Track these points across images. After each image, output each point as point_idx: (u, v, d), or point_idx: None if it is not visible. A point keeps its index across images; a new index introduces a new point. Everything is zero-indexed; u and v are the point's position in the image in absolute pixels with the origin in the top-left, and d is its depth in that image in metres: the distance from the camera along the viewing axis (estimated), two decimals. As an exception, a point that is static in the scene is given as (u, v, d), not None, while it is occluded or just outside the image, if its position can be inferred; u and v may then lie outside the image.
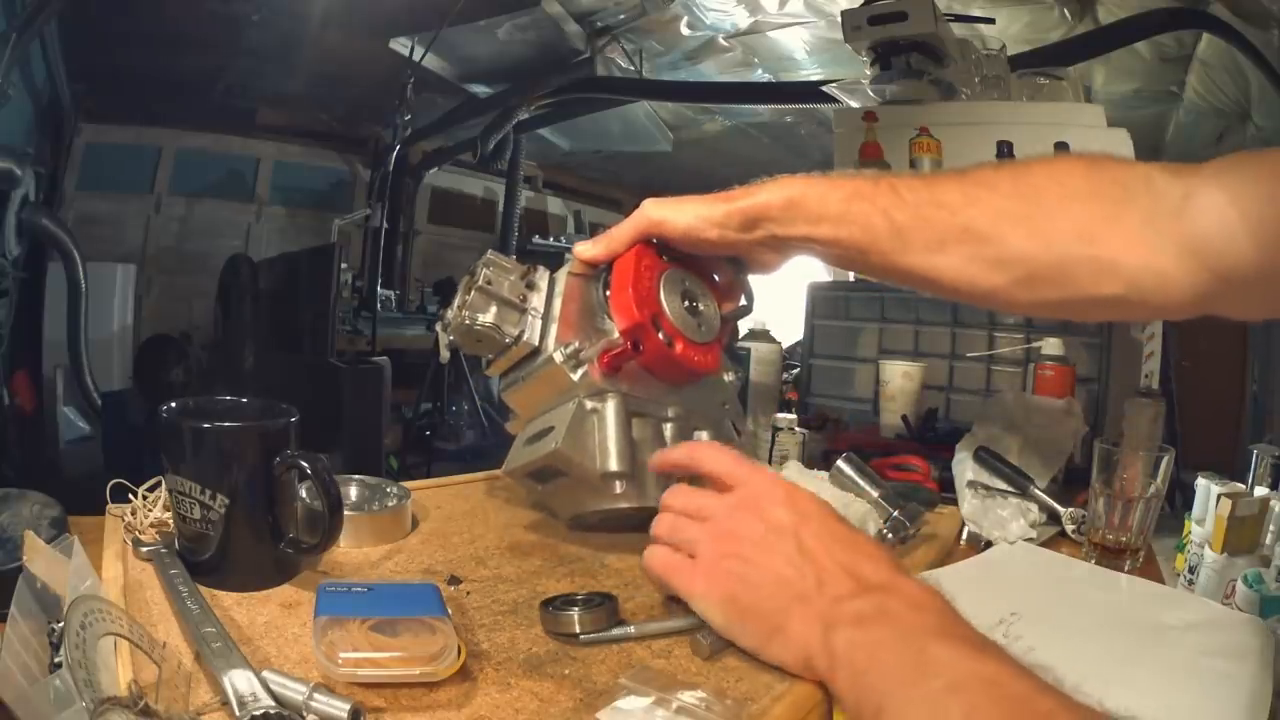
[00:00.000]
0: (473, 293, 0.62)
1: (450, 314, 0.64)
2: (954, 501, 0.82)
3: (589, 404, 0.59)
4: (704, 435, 0.65)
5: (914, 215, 0.57)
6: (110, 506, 0.60)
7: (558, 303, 0.63)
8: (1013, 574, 0.70)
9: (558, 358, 0.59)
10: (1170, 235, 0.50)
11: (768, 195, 0.60)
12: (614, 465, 0.57)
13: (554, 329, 0.61)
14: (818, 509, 0.48)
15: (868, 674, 0.39)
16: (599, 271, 0.65)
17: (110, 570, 0.52)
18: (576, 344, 0.60)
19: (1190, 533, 0.73)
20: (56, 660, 0.41)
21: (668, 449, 0.56)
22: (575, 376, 0.59)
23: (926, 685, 0.37)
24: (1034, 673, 0.37)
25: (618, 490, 0.58)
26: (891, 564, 0.45)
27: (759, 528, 0.47)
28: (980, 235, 0.55)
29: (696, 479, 0.53)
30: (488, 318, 0.62)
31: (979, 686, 0.36)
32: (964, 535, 0.77)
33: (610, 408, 0.59)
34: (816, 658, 0.42)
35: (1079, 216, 0.53)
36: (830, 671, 0.41)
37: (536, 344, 0.62)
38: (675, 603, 0.50)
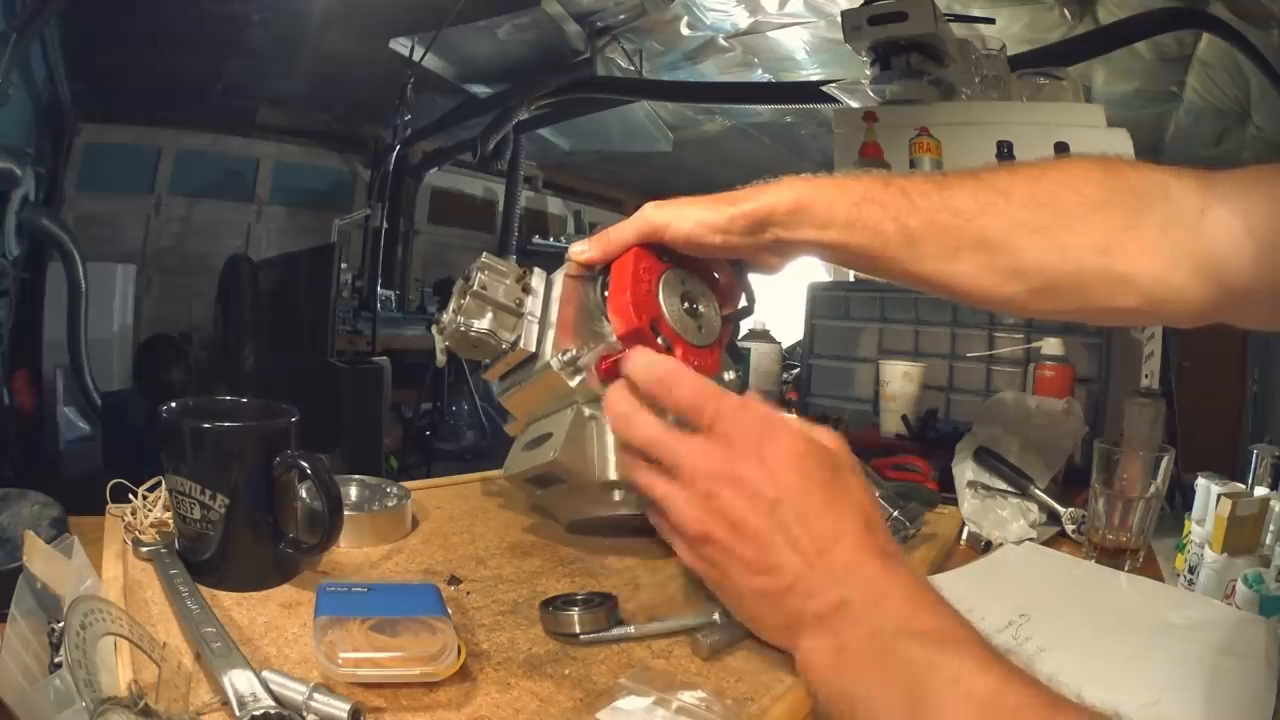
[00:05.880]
0: (467, 298, 0.61)
1: (445, 318, 0.63)
2: (954, 501, 0.82)
3: (587, 411, 0.58)
4: None
5: (926, 222, 0.56)
6: (110, 506, 0.60)
7: (555, 306, 0.62)
8: (1020, 575, 0.70)
9: (555, 365, 0.59)
10: (1186, 248, 0.50)
11: (773, 198, 0.58)
12: (613, 474, 0.57)
13: (551, 334, 0.61)
14: (793, 482, 0.42)
15: (833, 681, 0.39)
16: (596, 271, 0.64)
17: (110, 570, 0.52)
18: (574, 350, 0.59)
19: (1190, 533, 0.73)
20: (56, 660, 0.41)
21: (632, 370, 0.48)
22: (573, 383, 0.59)
23: (887, 690, 0.37)
24: (1003, 661, 0.36)
25: (617, 498, 0.58)
26: (860, 541, 0.42)
27: (734, 507, 0.42)
28: (995, 245, 0.55)
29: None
30: (483, 324, 0.61)
31: (940, 687, 0.35)
32: (964, 535, 0.77)
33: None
34: (793, 655, 0.42)
35: (1096, 228, 0.52)
36: (804, 673, 0.41)
37: (533, 349, 0.61)
38: (676, 604, 0.50)
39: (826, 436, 0.46)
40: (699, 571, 0.45)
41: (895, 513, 0.68)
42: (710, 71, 2.87)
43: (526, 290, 0.64)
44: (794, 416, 0.49)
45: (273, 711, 0.36)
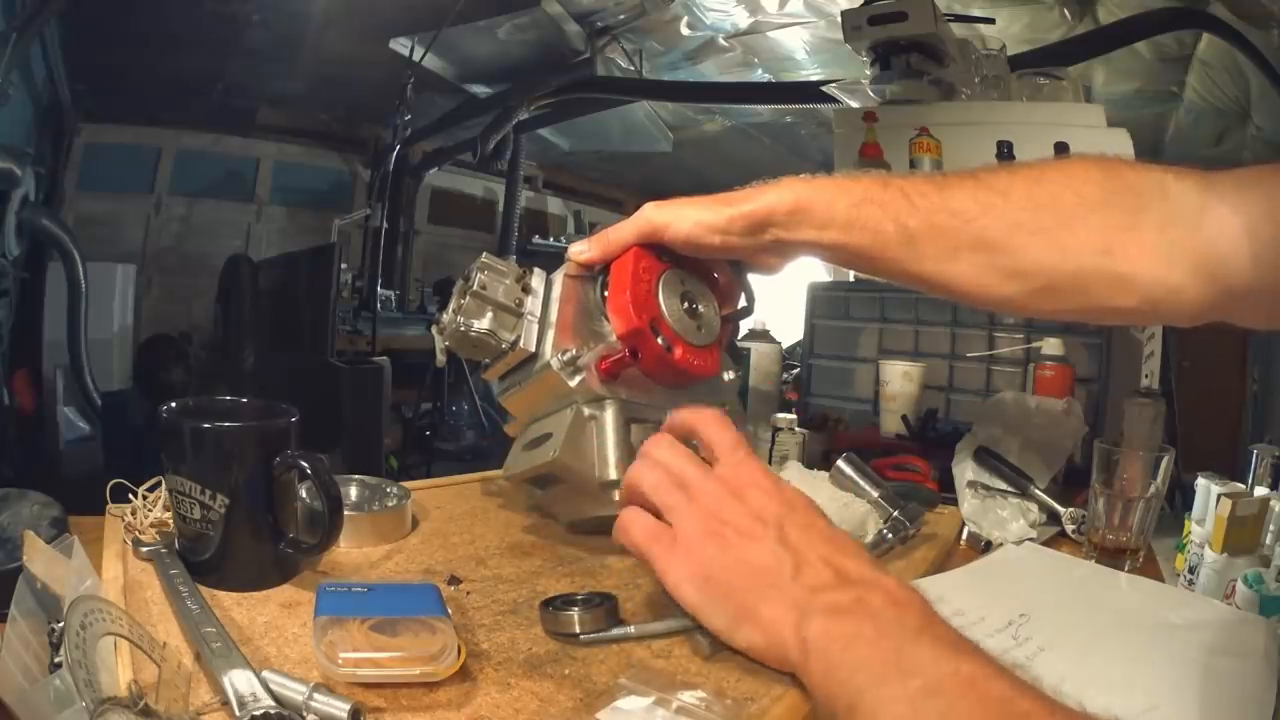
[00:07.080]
0: (467, 298, 0.61)
1: (445, 319, 0.63)
2: (954, 501, 0.82)
3: (587, 411, 0.58)
4: None
5: (925, 222, 0.56)
6: (110, 506, 0.60)
7: (554, 306, 0.62)
8: (1020, 575, 0.70)
9: (554, 364, 0.59)
10: (1184, 248, 0.50)
11: (772, 199, 0.58)
12: (613, 474, 0.57)
13: (551, 334, 0.61)
14: (803, 502, 0.47)
15: (841, 668, 0.38)
16: (596, 271, 0.64)
17: (110, 570, 0.52)
18: (574, 350, 0.59)
19: (1190, 533, 0.73)
20: (56, 660, 0.41)
21: (676, 413, 0.52)
22: (573, 383, 0.59)
23: (903, 684, 0.36)
24: (1012, 673, 0.37)
25: (616, 499, 0.58)
26: (873, 563, 0.44)
27: (743, 513, 0.45)
28: (995, 245, 0.55)
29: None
30: (483, 324, 0.61)
31: (957, 687, 0.36)
32: (964, 535, 0.77)
33: (609, 416, 0.58)
34: (789, 646, 0.41)
35: (1095, 228, 0.52)
36: (802, 661, 0.40)
37: (533, 349, 0.61)
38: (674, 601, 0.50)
39: None
40: (692, 601, 0.45)
41: (895, 513, 0.68)
42: (710, 71, 2.87)
43: (526, 290, 0.64)
44: None
45: (273, 711, 0.36)
